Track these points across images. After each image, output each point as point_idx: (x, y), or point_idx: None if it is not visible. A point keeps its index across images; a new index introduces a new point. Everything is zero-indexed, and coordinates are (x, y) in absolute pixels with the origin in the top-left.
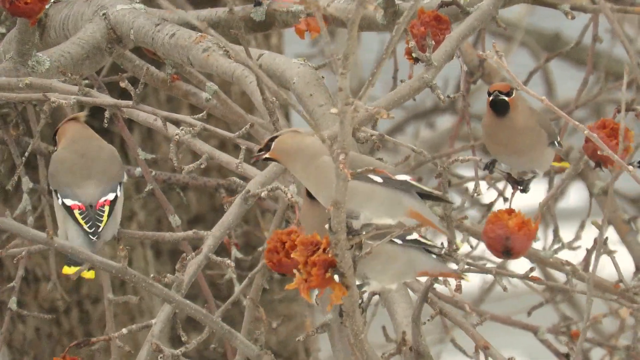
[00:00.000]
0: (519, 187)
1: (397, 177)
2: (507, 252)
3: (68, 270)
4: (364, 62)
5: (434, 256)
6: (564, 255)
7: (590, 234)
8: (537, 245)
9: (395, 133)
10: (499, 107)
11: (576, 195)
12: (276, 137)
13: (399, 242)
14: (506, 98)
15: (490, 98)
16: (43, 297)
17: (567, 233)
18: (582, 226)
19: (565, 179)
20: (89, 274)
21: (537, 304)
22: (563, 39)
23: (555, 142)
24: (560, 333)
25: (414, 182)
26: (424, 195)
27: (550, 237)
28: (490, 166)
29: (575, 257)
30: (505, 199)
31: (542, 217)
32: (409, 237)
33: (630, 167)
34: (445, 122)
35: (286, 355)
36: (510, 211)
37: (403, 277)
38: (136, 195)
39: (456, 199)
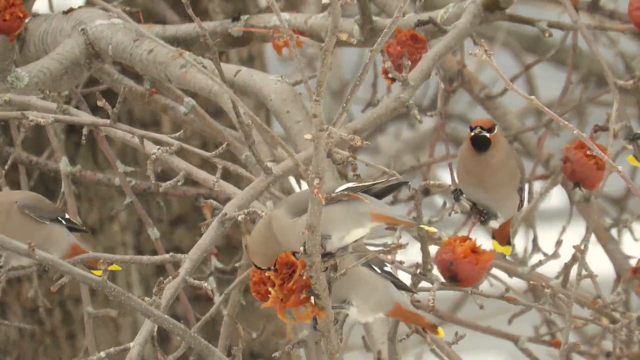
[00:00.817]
0: (481, 218)
1: (340, 188)
2: (453, 278)
3: (97, 272)
4: (345, 62)
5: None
6: (545, 268)
7: (570, 240)
8: (519, 252)
9: (377, 133)
10: (480, 143)
11: (557, 198)
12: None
13: (378, 270)
14: (488, 135)
15: (472, 133)
16: (25, 298)
17: (548, 233)
18: (562, 232)
19: (546, 187)
20: (117, 267)
21: (517, 312)
22: (544, 39)
23: (523, 189)
24: (541, 342)
25: (356, 184)
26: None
27: (530, 245)
28: (456, 193)
29: (556, 265)
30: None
31: (522, 225)
32: (385, 268)
33: (620, 167)
34: (426, 122)
35: (267, 356)
36: (464, 238)
37: (382, 308)
38: (119, 198)
39: (438, 200)
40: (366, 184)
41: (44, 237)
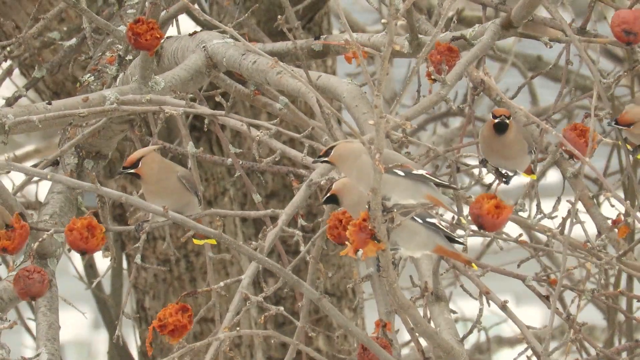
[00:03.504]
0: (504, 180)
1: (417, 172)
2: (480, 227)
3: (197, 242)
4: (396, 76)
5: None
6: (545, 222)
7: (564, 207)
8: (524, 214)
9: (419, 130)
10: (502, 128)
11: (553, 176)
12: (333, 146)
13: (420, 221)
14: (507, 121)
15: (496, 120)
16: (159, 251)
17: (546, 205)
18: (558, 201)
19: (544, 166)
20: (211, 241)
21: (524, 258)
22: (543, 60)
23: (533, 151)
24: (542, 280)
25: (428, 175)
26: (438, 184)
27: (534, 209)
28: (483, 162)
29: (553, 224)
30: (503, 182)
31: (527, 195)
32: (429, 219)
33: (587, 159)
34: (456, 122)
35: (338, 295)
36: (491, 196)
37: (424, 248)
38: (229, 178)
39: (465, 180)
40: (433, 177)
41: (186, 202)
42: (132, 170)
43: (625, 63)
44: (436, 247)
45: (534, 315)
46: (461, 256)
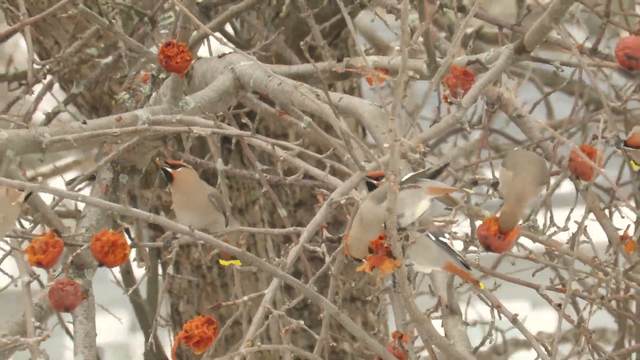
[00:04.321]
0: None
1: (443, 239)
2: (487, 248)
3: (223, 262)
4: (418, 90)
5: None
6: (559, 234)
7: (577, 217)
8: (536, 229)
9: (441, 142)
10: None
11: (567, 187)
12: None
13: (433, 238)
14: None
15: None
16: (193, 258)
17: (560, 213)
18: (570, 212)
19: (557, 181)
20: (237, 262)
21: (538, 268)
22: (559, 76)
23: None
24: (554, 289)
25: (415, 173)
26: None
27: (547, 220)
28: (495, 185)
29: (567, 235)
30: None
31: (541, 209)
32: (441, 238)
33: (603, 170)
34: (476, 134)
35: (363, 300)
36: (497, 219)
37: (434, 264)
38: (259, 188)
39: (483, 188)
40: (420, 171)
41: (213, 220)
42: (169, 169)
43: (637, 78)
44: (446, 264)
45: (550, 319)
46: (469, 276)
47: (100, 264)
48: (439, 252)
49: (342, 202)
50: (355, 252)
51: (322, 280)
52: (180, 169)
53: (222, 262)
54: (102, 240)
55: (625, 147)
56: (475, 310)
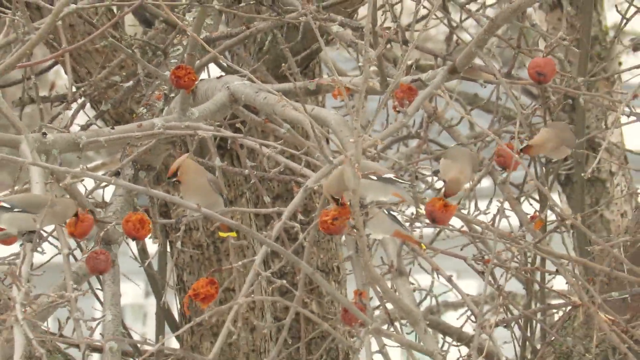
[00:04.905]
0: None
1: (385, 175)
2: (433, 221)
3: (222, 234)
4: (369, 108)
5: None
6: (481, 217)
7: (494, 206)
8: (465, 212)
9: (386, 149)
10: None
11: (486, 183)
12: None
13: (386, 212)
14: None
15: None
16: (194, 239)
17: (481, 204)
18: (490, 201)
19: (480, 176)
20: (233, 234)
21: (465, 244)
22: (479, 96)
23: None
24: (478, 260)
25: (394, 178)
26: (401, 184)
27: (473, 207)
28: (435, 172)
29: (486, 218)
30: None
31: (467, 197)
32: (391, 212)
33: (521, 160)
34: (413, 143)
35: (327, 271)
36: (440, 198)
37: (386, 232)
38: (245, 184)
39: (421, 185)
40: (398, 179)
41: (214, 201)
42: (174, 179)
43: (539, 99)
44: (395, 232)
45: (472, 286)
46: (413, 238)
47: (133, 239)
48: (390, 223)
49: (315, 188)
50: (328, 190)
51: (296, 253)
52: (179, 170)
53: (221, 234)
54: (132, 220)
55: (522, 152)
56: (415, 280)
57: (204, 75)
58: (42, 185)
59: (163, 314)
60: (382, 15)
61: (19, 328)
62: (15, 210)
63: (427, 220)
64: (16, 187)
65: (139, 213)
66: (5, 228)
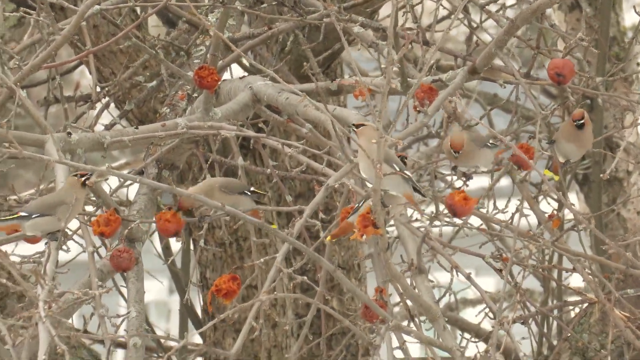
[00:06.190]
0: (469, 178)
1: (406, 172)
2: (453, 213)
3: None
4: (391, 109)
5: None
6: (499, 216)
7: (513, 205)
8: (483, 210)
9: (407, 148)
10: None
11: (504, 182)
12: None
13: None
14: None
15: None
16: (217, 237)
17: (500, 203)
18: (509, 200)
19: (499, 174)
20: (274, 226)
21: (484, 242)
22: (498, 97)
23: (488, 144)
24: (496, 258)
25: (411, 177)
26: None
27: (492, 206)
28: (454, 169)
29: (505, 217)
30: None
31: (488, 196)
32: (405, 172)
33: (533, 164)
34: (434, 142)
35: (347, 269)
36: (461, 192)
37: (400, 191)
38: (268, 183)
39: (440, 184)
40: (413, 181)
41: (233, 201)
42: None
43: (558, 99)
44: (405, 193)
45: (490, 283)
46: (414, 202)
47: (172, 235)
48: (404, 184)
49: (335, 186)
50: None
51: (317, 251)
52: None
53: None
54: (163, 218)
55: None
56: (434, 277)
57: (226, 75)
58: None
59: (186, 310)
60: (402, 16)
61: (42, 325)
62: (34, 216)
63: (447, 218)
64: (41, 186)
65: (167, 212)
66: (31, 234)
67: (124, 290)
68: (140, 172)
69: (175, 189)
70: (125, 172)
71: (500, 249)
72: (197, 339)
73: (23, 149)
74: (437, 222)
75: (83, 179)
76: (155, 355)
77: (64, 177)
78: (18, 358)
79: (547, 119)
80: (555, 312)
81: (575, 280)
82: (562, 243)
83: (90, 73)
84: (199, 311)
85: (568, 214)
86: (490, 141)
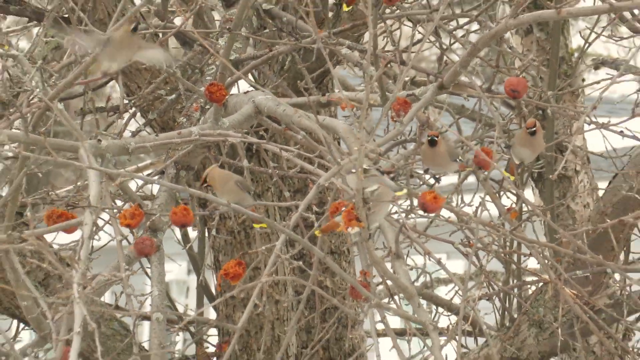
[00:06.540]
0: (437, 179)
1: (381, 169)
2: (425, 211)
3: (255, 225)
4: (374, 116)
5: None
6: (466, 209)
7: (477, 199)
8: (453, 204)
9: (388, 151)
10: (432, 142)
11: (471, 179)
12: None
13: (379, 174)
14: (436, 138)
15: (429, 138)
16: (228, 226)
17: (467, 195)
18: (474, 195)
19: (465, 174)
20: (264, 225)
21: (454, 230)
22: (465, 107)
23: (457, 160)
24: (464, 244)
25: (386, 173)
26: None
27: (460, 200)
28: (426, 170)
29: (470, 210)
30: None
31: (456, 191)
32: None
33: (495, 164)
34: (411, 145)
35: (338, 253)
36: (431, 192)
37: (375, 184)
38: (270, 180)
39: (416, 181)
40: (390, 176)
41: (241, 198)
42: (205, 185)
43: (515, 109)
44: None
45: (459, 265)
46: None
47: (182, 226)
48: (381, 179)
49: (325, 185)
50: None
51: (311, 240)
52: (207, 177)
53: (255, 225)
54: (178, 211)
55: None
56: (411, 259)
57: (234, 90)
58: (98, 184)
59: (202, 288)
60: (383, 39)
61: (76, 304)
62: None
63: (420, 212)
64: (79, 183)
65: (182, 206)
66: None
67: (149, 272)
68: (161, 173)
69: (189, 189)
70: (149, 171)
71: (467, 236)
72: (212, 314)
73: (60, 155)
74: (412, 215)
75: (132, 26)
76: (176, 326)
77: (95, 178)
78: (57, 331)
79: (506, 126)
80: (515, 290)
81: (532, 263)
82: (519, 232)
83: (119, 87)
84: (213, 289)
85: (525, 207)
86: (460, 158)
